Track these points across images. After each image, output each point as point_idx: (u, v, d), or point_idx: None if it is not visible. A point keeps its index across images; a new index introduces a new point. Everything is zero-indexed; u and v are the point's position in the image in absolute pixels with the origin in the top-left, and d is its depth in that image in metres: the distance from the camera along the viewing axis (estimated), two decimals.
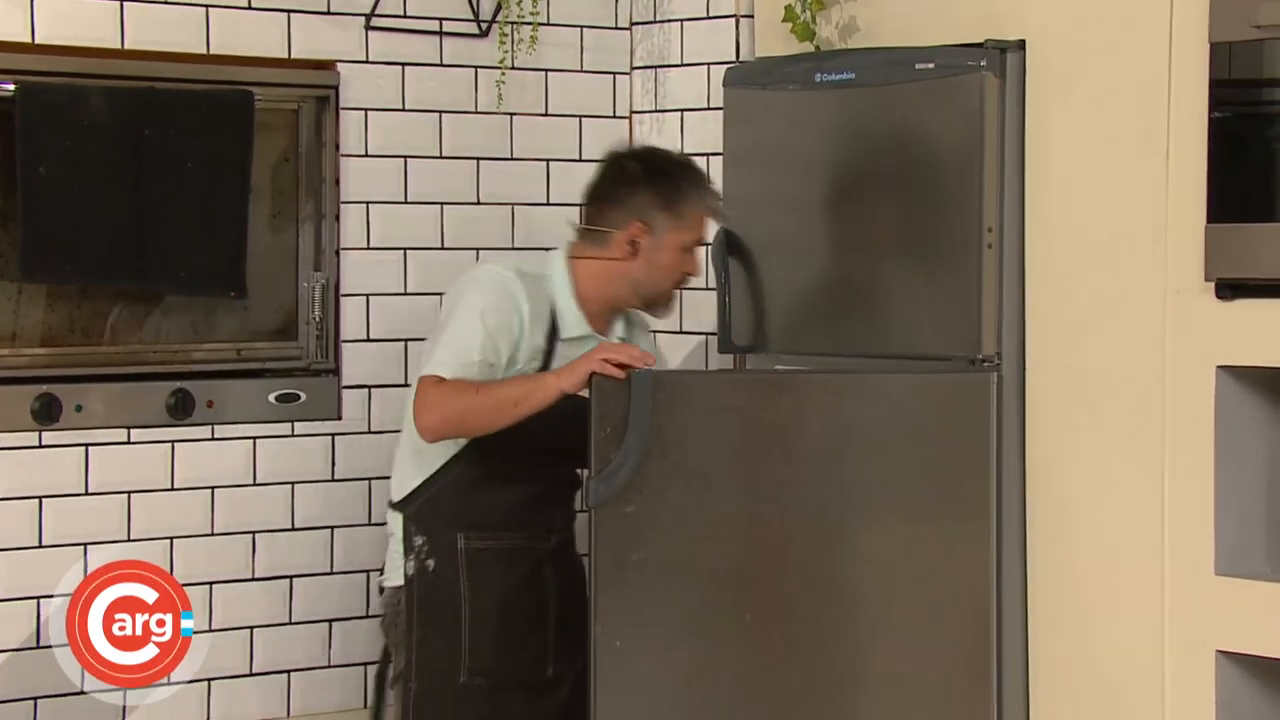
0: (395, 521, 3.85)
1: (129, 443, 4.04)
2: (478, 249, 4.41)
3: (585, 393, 3.63)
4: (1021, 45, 3.71)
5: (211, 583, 4.13)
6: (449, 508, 3.80)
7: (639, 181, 3.82)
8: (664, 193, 3.81)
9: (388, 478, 4.29)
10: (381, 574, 3.92)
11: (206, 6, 4.08)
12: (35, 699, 3.96)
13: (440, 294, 4.36)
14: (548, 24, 4.46)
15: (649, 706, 3.74)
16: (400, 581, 3.83)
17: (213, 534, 4.13)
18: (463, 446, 3.80)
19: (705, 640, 3.74)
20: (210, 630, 4.12)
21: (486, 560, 3.81)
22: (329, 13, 4.22)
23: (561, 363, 3.78)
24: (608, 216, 3.83)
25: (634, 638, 3.71)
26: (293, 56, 4.19)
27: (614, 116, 4.59)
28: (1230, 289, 3.40)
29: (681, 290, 3.93)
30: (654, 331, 4.36)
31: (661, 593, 3.72)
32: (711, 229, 3.94)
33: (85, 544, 3.99)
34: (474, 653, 3.79)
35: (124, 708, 4.04)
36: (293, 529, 4.21)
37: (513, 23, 4.40)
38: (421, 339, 4.33)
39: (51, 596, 3.95)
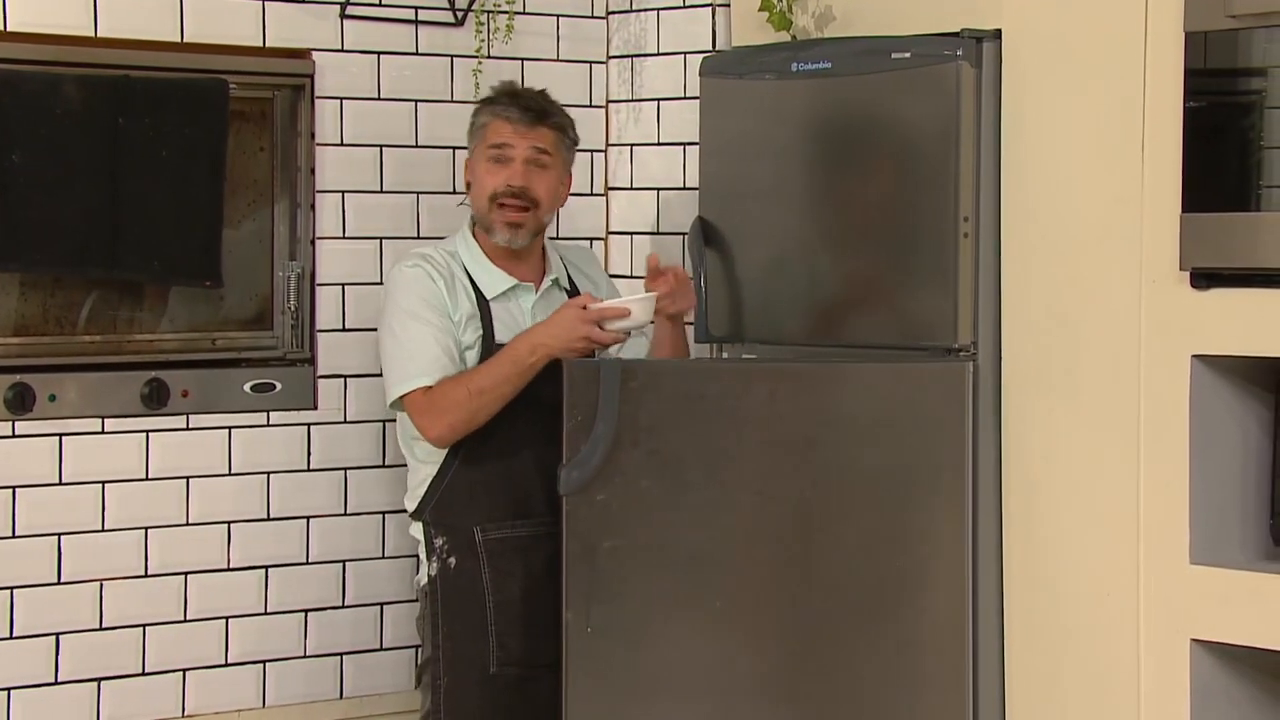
0: (417, 530, 3.93)
1: (103, 432, 4.03)
2: None
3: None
4: (997, 35, 3.71)
5: (186, 573, 4.12)
6: (460, 503, 3.86)
7: None
8: (469, 127, 3.98)
9: (363, 467, 4.31)
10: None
11: None
12: (9, 689, 3.95)
13: None
14: (524, 13, 4.45)
15: (620, 692, 3.75)
16: (426, 581, 3.89)
17: (188, 524, 4.12)
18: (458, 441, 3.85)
19: (676, 627, 3.76)
20: (185, 620, 4.11)
21: (506, 550, 3.86)
22: (304, 1, 4.21)
23: (502, 320, 3.86)
24: None
25: (605, 624, 3.73)
26: (268, 45, 4.18)
27: (590, 105, 4.59)
28: (1205, 278, 3.41)
29: (504, 206, 3.88)
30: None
31: (633, 580, 3.74)
32: (520, 139, 3.89)
33: (59, 534, 3.98)
34: (502, 642, 3.84)
35: (98, 699, 4.03)
36: (268, 519, 4.20)
37: (489, 11, 4.38)
38: None
39: (25, 587, 3.95)
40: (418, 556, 3.96)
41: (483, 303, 3.88)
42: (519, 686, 3.86)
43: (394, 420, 4.28)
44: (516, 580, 3.86)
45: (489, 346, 3.85)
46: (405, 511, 3.99)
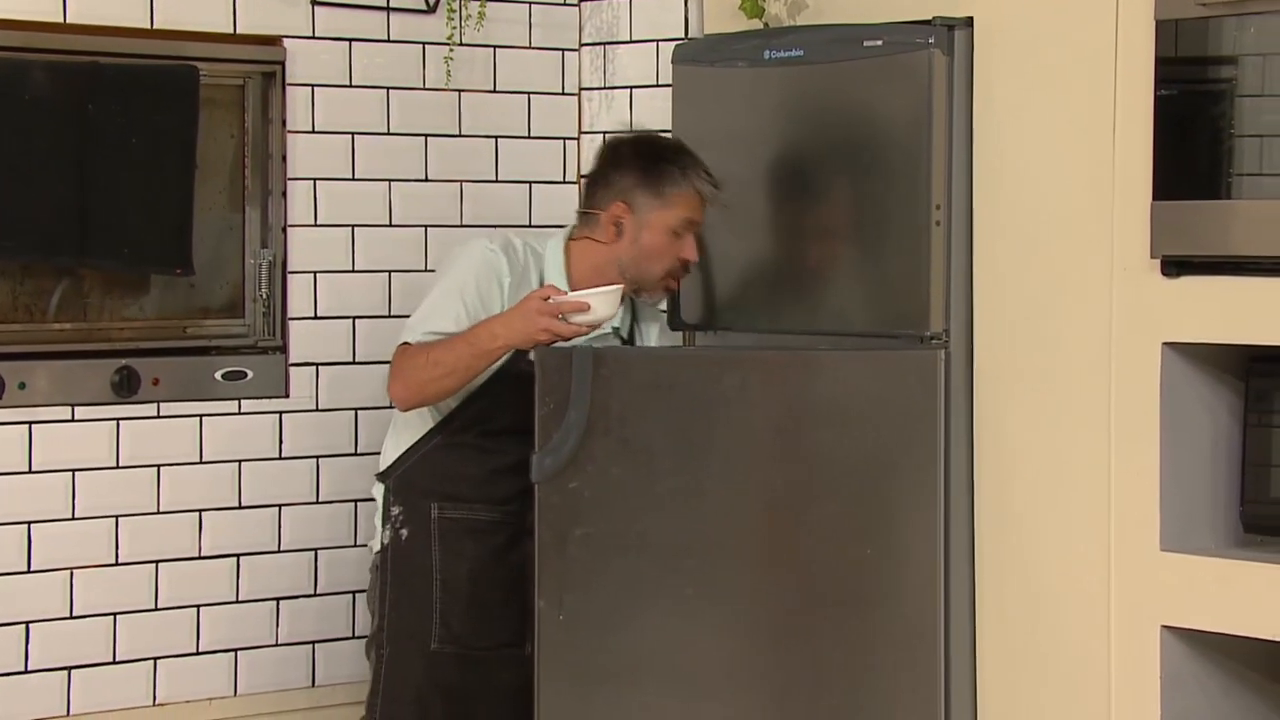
0: (377, 491, 3.93)
1: (73, 420, 4.01)
2: (426, 226, 4.39)
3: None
4: (969, 23, 3.71)
5: (157, 561, 4.11)
6: (423, 478, 3.86)
7: (626, 162, 3.86)
8: (648, 173, 3.83)
9: (335, 455, 4.31)
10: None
11: None
12: None
13: (388, 271, 4.38)
14: (496, 0, 4.44)
15: (593, 680, 3.75)
16: (379, 548, 3.89)
17: (159, 512, 4.11)
18: (439, 420, 3.85)
19: (648, 615, 3.76)
20: (156, 609, 4.10)
21: (459, 531, 3.85)
22: None
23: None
24: (596, 197, 3.88)
25: (578, 612, 3.73)
26: (239, 32, 4.16)
27: (563, 93, 4.58)
28: (1176, 266, 3.41)
29: (677, 278, 3.89)
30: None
31: (605, 568, 3.75)
32: (702, 213, 3.88)
33: (29, 522, 3.97)
34: (445, 621, 3.84)
35: (69, 688, 4.02)
36: (239, 508, 4.19)
37: None
38: (370, 316, 4.34)
39: None
40: (374, 523, 3.94)
41: None
42: (459, 665, 3.86)
43: (365, 409, 4.29)
44: (466, 562, 3.86)
45: (516, 356, 3.78)
46: (373, 500, 3.98)
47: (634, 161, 3.85)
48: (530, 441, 3.80)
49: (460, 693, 3.87)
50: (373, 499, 3.99)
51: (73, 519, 4.01)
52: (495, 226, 4.49)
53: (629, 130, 4.08)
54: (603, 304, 3.72)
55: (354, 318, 4.33)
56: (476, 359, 3.75)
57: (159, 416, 4.10)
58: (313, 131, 4.26)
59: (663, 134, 4.04)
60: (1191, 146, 3.42)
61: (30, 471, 3.97)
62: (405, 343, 3.78)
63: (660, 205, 3.83)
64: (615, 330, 3.96)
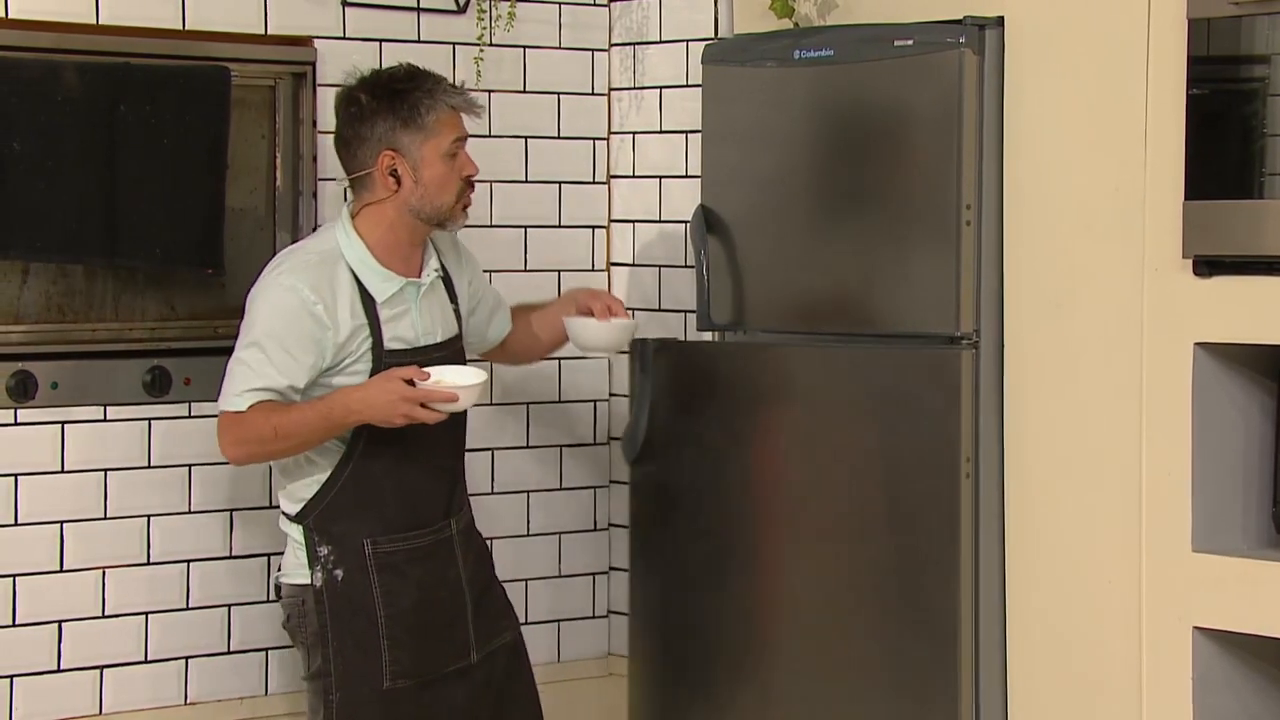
0: (295, 530, 3.75)
1: (105, 420, 4.03)
2: None
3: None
4: (1000, 22, 3.71)
5: (189, 560, 4.12)
6: (350, 512, 3.72)
7: (373, 111, 3.72)
8: (398, 111, 3.71)
9: None
10: (279, 570, 3.82)
11: None
12: (12, 677, 3.95)
13: None
14: (526, 0, 4.44)
15: (672, 642, 4.08)
16: (303, 581, 3.72)
17: (190, 512, 4.12)
18: (347, 448, 3.71)
19: (709, 598, 3.98)
20: (188, 608, 4.11)
21: (396, 561, 3.73)
22: None
23: (392, 322, 3.70)
24: (358, 158, 3.74)
25: (663, 585, 4.08)
26: (269, 32, 4.18)
27: (592, 94, 4.59)
28: (1208, 266, 3.41)
29: (467, 197, 3.78)
30: (630, 309, 4.35)
31: (673, 550, 4.04)
32: (469, 124, 3.79)
33: (61, 522, 3.98)
34: (394, 656, 3.72)
35: (101, 687, 4.03)
36: (269, 507, 4.19)
37: None
38: None
39: (27, 575, 3.95)
40: (285, 554, 3.77)
41: (370, 306, 3.70)
42: (414, 696, 3.74)
43: None
44: (409, 593, 3.73)
45: (379, 354, 3.68)
46: (278, 509, 3.80)
47: (380, 107, 3.71)
48: (444, 445, 3.77)
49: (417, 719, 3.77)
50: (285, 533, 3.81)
51: (105, 518, 4.03)
52: (524, 227, 4.50)
53: (354, 78, 3.82)
54: (470, 396, 3.61)
55: None
56: (329, 433, 3.64)
57: (190, 416, 4.11)
58: None
59: (391, 69, 3.84)
60: (1223, 146, 3.41)
61: (62, 471, 3.98)
62: (233, 410, 3.60)
63: (425, 136, 3.70)
64: (437, 273, 3.81)
